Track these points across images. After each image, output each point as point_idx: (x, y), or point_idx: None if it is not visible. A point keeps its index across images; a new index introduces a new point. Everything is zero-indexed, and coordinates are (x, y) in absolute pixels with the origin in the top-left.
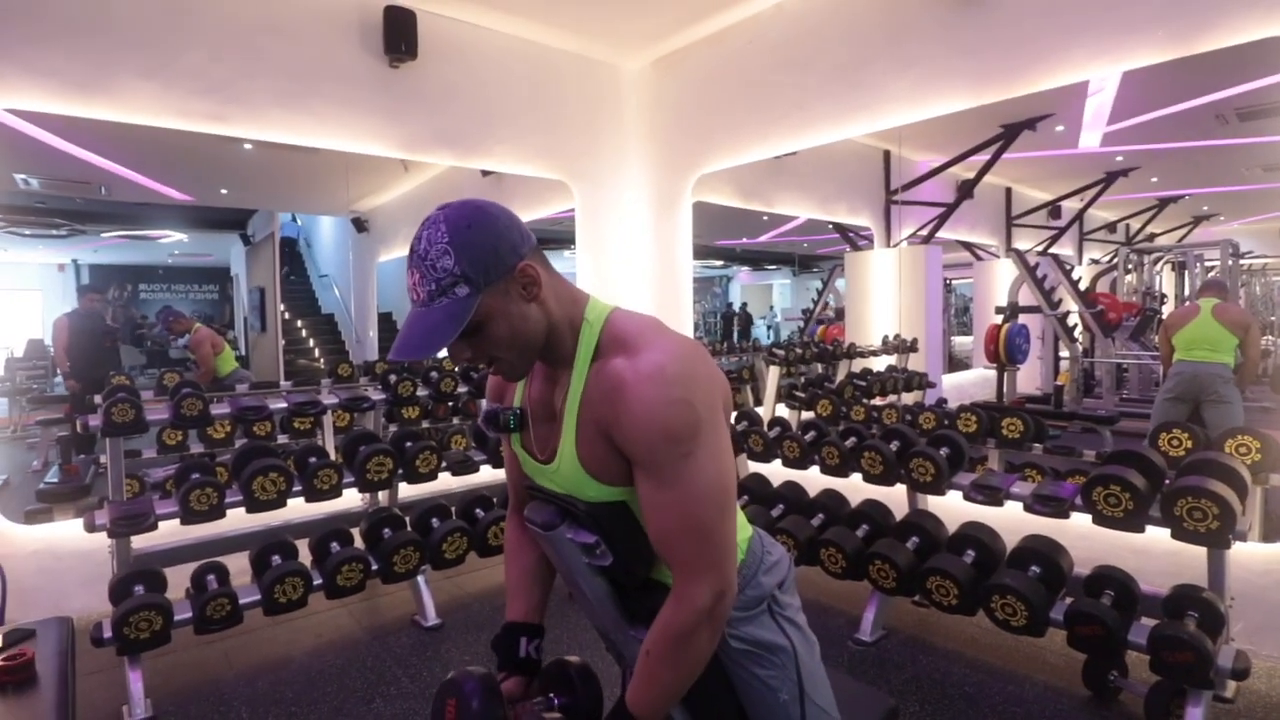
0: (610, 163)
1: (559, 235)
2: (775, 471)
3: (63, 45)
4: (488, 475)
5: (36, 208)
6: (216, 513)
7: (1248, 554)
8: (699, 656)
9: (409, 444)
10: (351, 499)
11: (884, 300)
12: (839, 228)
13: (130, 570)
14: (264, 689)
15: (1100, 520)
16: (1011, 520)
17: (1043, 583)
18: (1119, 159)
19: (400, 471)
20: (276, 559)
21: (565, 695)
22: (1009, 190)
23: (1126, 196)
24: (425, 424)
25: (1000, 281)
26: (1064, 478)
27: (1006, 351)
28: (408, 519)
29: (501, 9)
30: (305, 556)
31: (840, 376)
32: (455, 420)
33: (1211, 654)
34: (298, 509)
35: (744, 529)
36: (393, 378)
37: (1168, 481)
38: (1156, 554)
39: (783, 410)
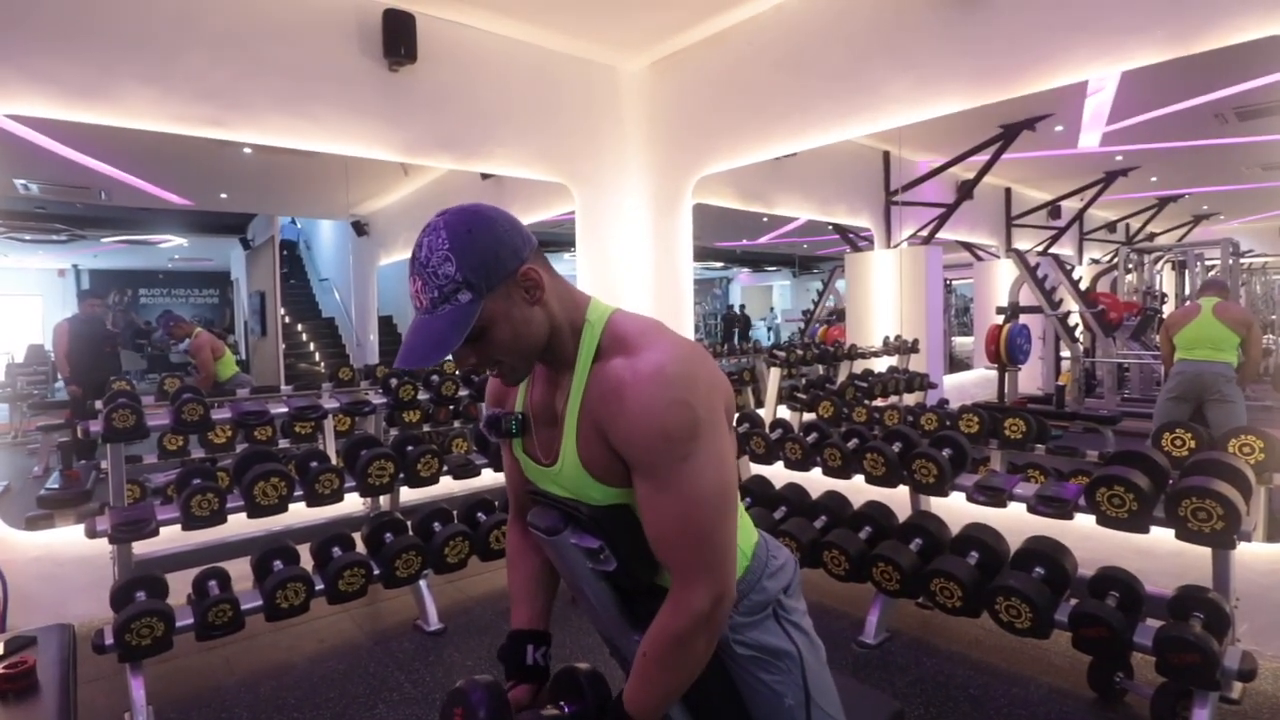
0: (610, 165)
1: (559, 238)
2: (777, 473)
3: (62, 51)
4: (489, 479)
5: (36, 213)
6: (218, 518)
7: (1252, 554)
8: (695, 660)
9: (410, 448)
10: (353, 503)
11: (885, 301)
12: (839, 229)
13: (132, 576)
14: (266, 695)
15: (1104, 521)
16: (1015, 521)
17: (1047, 584)
18: (1118, 159)
19: (402, 476)
20: (278, 564)
21: (575, 702)
22: (1008, 190)
23: (1126, 196)
24: (426, 428)
25: (1000, 282)
26: (1067, 478)
27: (1008, 352)
28: (409, 523)
29: (500, 12)
30: (307, 561)
31: (841, 378)
32: (456, 424)
33: (1218, 655)
34: (299, 514)
35: (750, 533)
36: (394, 381)
37: (1171, 482)
38: (1160, 555)
39: (784, 412)
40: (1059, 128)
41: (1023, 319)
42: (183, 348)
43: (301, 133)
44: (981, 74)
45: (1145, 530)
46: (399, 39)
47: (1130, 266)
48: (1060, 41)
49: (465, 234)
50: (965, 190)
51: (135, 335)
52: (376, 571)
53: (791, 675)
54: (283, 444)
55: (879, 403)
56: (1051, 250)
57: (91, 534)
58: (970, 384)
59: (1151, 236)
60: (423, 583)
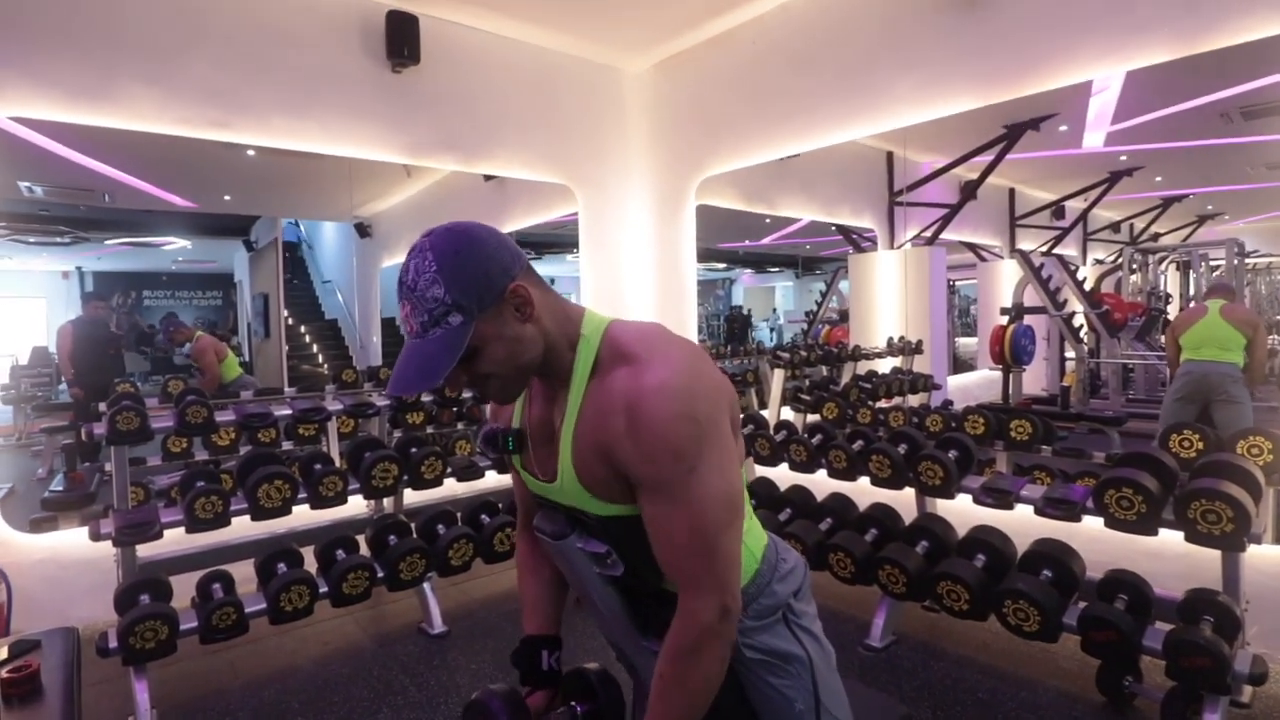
0: (613, 166)
1: (562, 239)
2: (782, 475)
3: (66, 53)
4: (493, 481)
5: (40, 215)
6: (221, 521)
7: (1262, 556)
8: (710, 675)
9: (414, 450)
10: (357, 505)
11: (888, 302)
12: (842, 230)
13: (135, 579)
14: (270, 699)
15: (1113, 523)
16: (1022, 523)
17: (1055, 587)
18: (1123, 159)
19: (405, 478)
20: (282, 567)
21: (587, 703)
22: (1012, 191)
23: (1130, 196)
24: (430, 429)
25: (1004, 282)
26: (1073, 480)
27: (1012, 352)
28: (413, 525)
29: (504, 13)
30: (310, 564)
31: (845, 379)
32: (460, 425)
33: (1228, 659)
34: (303, 516)
35: (759, 536)
36: None
37: (1180, 484)
38: (1169, 557)
39: (788, 413)
40: (1063, 128)
41: (1027, 320)
42: (185, 351)
43: (305, 135)
44: (986, 74)
45: (1154, 533)
46: (402, 41)
47: (1135, 267)
48: (1065, 41)
49: (452, 255)
50: (969, 191)
51: (139, 338)
52: (380, 574)
53: (801, 680)
54: (286, 446)
55: (883, 404)
56: (1055, 251)
57: (95, 537)
58: (974, 385)
59: (1156, 237)
60: (427, 585)
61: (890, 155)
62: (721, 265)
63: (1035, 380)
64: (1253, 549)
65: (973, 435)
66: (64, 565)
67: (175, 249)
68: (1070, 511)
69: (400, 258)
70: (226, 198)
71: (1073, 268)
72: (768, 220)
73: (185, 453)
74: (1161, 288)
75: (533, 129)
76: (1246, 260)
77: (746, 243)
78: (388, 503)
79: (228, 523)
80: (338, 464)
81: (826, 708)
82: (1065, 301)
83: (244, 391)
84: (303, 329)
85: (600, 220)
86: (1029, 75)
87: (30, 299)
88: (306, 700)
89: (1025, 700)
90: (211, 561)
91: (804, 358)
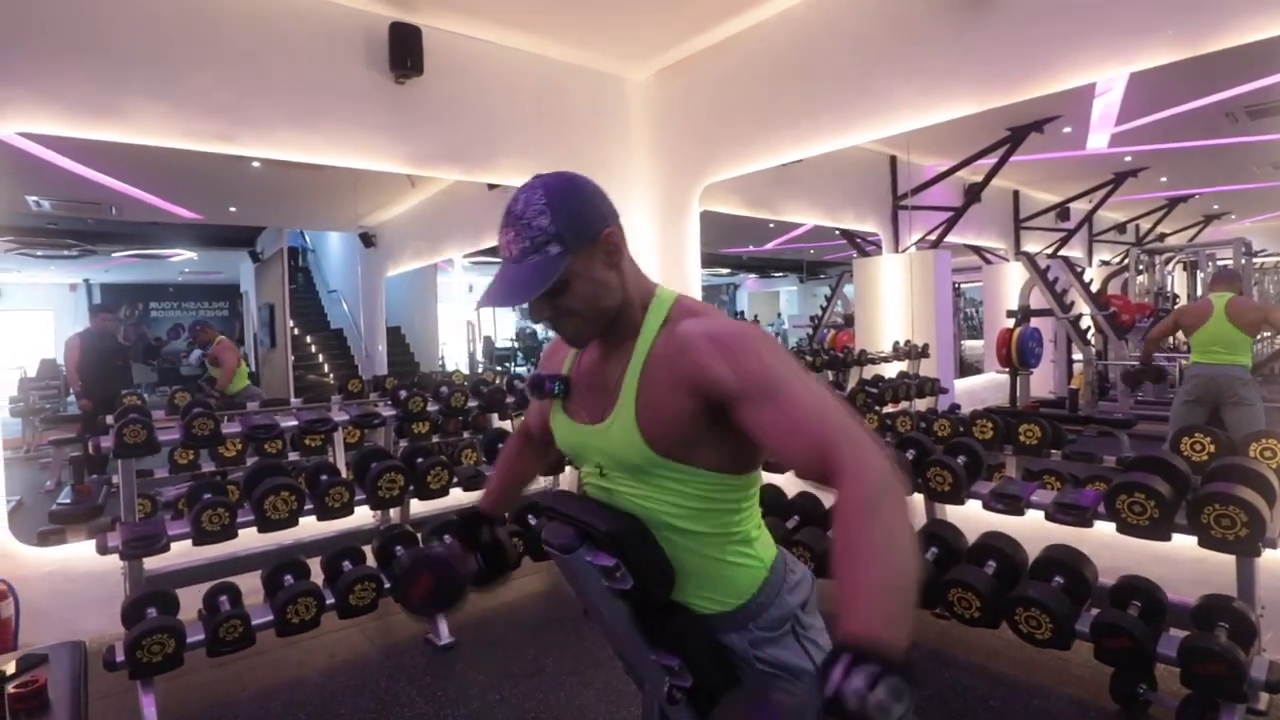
0: (617, 174)
1: None
2: (790, 482)
3: (72, 68)
4: None
5: (48, 229)
6: (228, 533)
7: (1277, 561)
8: (898, 530)
9: (420, 460)
10: (363, 516)
11: (893, 306)
12: (846, 234)
13: (143, 592)
14: (277, 711)
15: (1125, 529)
16: (1032, 529)
17: (1067, 594)
18: (1127, 159)
19: (411, 488)
20: (289, 579)
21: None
22: (1016, 193)
23: (1136, 197)
24: (436, 439)
25: (1010, 285)
26: (1084, 484)
27: (1019, 355)
28: (420, 536)
29: (506, 23)
30: (317, 575)
31: (851, 383)
32: (466, 435)
33: (1244, 666)
34: (309, 527)
35: (768, 546)
36: (403, 393)
37: (1192, 488)
38: (1181, 562)
39: None
40: (1067, 129)
41: (1034, 322)
42: (198, 354)
43: (310, 147)
44: (989, 78)
45: (1167, 538)
46: (406, 52)
47: (1141, 268)
48: (1068, 44)
49: (560, 192)
50: (973, 193)
51: (146, 350)
52: (387, 585)
53: (811, 695)
54: (293, 456)
55: (890, 409)
56: (1061, 252)
57: (103, 550)
58: (981, 388)
59: (1162, 237)
60: None
61: (894, 159)
62: (726, 270)
63: (1043, 383)
64: (1268, 554)
65: (981, 440)
66: (72, 578)
67: (182, 260)
68: (1081, 517)
69: (405, 267)
70: (232, 209)
71: (1079, 269)
72: (771, 225)
73: (192, 464)
74: (1168, 288)
75: (536, 138)
76: (1254, 259)
77: (750, 248)
78: (394, 513)
79: (234, 535)
80: (344, 474)
81: None
82: (1072, 303)
83: (250, 403)
84: (308, 339)
85: None
86: (1032, 78)
87: (38, 311)
88: (313, 712)
89: (1038, 709)
90: (218, 573)
91: (810, 362)
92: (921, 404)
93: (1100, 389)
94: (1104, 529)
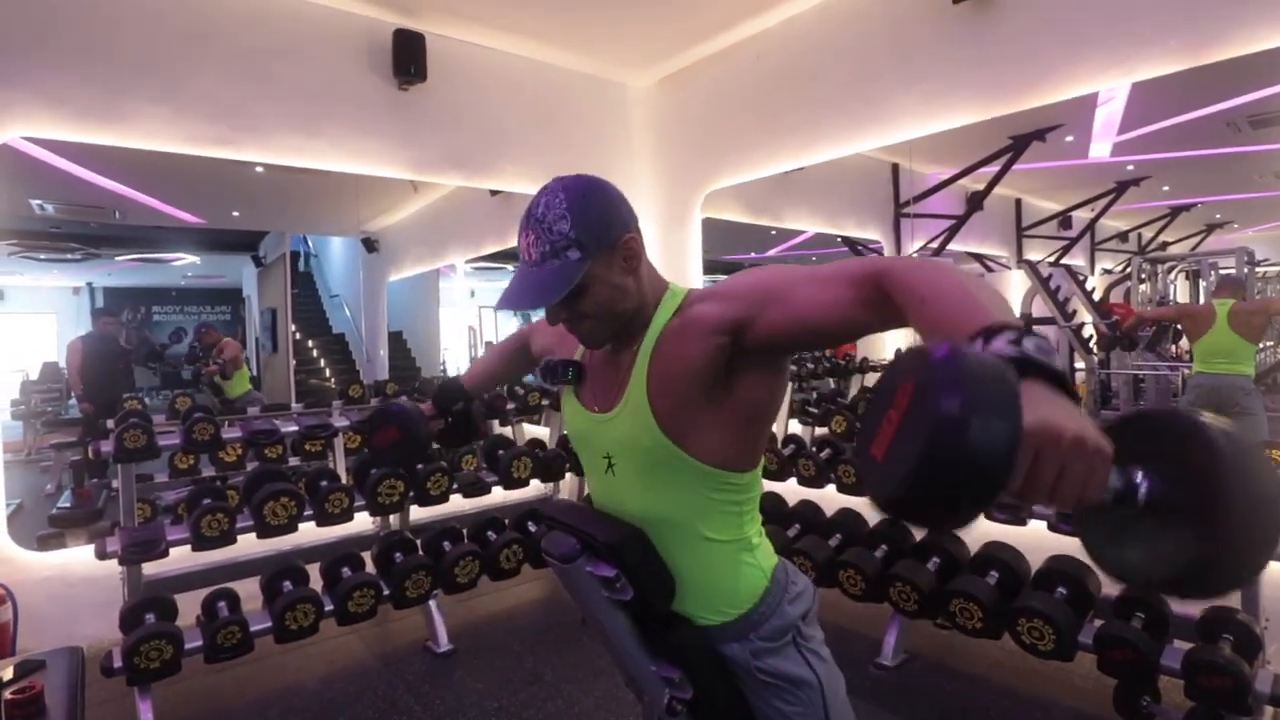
0: (619, 181)
1: None
2: (791, 490)
3: (76, 73)
4: (499, 497)
5: (51, 232)
6: (227, 539)
7: None
8: (961, 274)
9: (420, 466)
10: (363, 522)
11: None
12: (848, 241)
13: (141, 598)
14: (275, 718)
15: None
16: (1034, 539)
17: (1070, 605)
18: (1129, 168)
19: (411, 494)
20: (288, 585)
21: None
22: (1019, 201)
23: (1138, 205)
24: (436, 445)
25: (1012, 293)
26: None
27: None
28: (419, 542)
29: (509, 30)
30: (316, 581)
31: (854, 391)
32: None
33: (1249, 679)
34: (309, 533)
35: (770, 556)
36: (404, 399)
37: None
38: None
39: (796, 427)
40: (1069, 138)
41: (1036, 330)
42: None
43: (312, 152)
44: (992, 87)
45: None
46: (409, 58)
47: (1143, 276)
48: (1070, 54)
49: (581, 197)
50: (975, 202)
51: (148, 353)
52: (386, 592)
53: (812, 705)
54: (293, 461)
55: None
56: (1063, 261)
57: (102, 555)
58: None
59: (1164, 246)
60: (432, 603)
61: (896, 167)
62: (725, 277)
63: None
64: (1273, 565)
65: None
66: (70, 583)
67: (184, 264)
68: None
69: (407, 272)
70: (235, 214)
71: (1081, 278)
72: (773, 232)
73: (192, 469)
74: (1171, 297)
75: (538, 145)
76: (1256, 268)
77: (752, 255)
78: (394, 519)
79: (233, 540)
80: (344, 480)
81: None
82: (1074, 312)
83: (251, 407)
84: (310, 343)
85: None
86: (1034, 88)
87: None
88: (311, 719)
89: None
90: (217, 579)
91: (811, 370)
92: None
93: (1103, 398)
94: None
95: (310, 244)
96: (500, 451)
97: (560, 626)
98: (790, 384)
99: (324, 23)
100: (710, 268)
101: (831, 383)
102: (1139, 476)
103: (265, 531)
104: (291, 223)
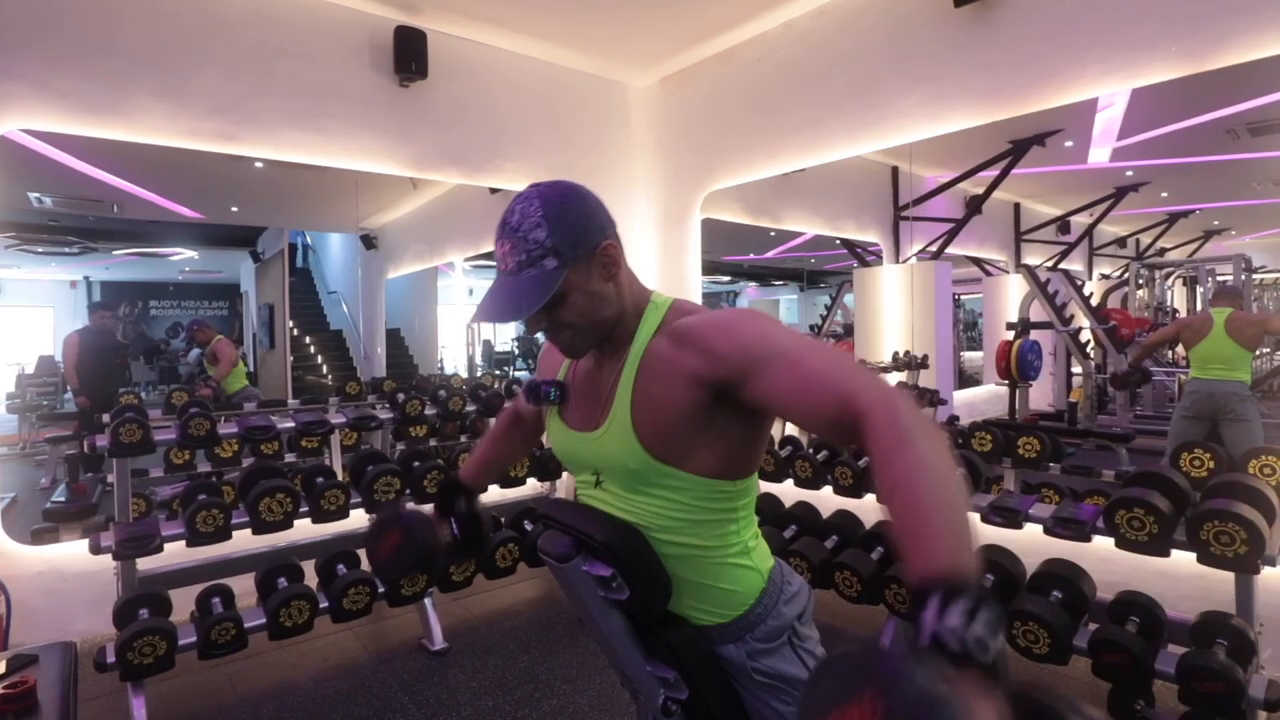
0: (619, 180)
1: None
2: (787, 491)
3: (76, 66)
4: (495, 495)
5: (49, 225)
6: (222, 534)
7: (1276, 579)
8: (939, 456)
9: (417, 463)
10: (359, 519)
11: (893, 316)
12: (847, 244)
13: (135, 593)
14: (268, 715)
15: (1124, 544)
16: (1030, 543)
17: (1065, 608)
18: (1129, 174)
19: (408, 491)
20: (282, 581)
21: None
22: (1018, 206)
23: (1136, 211)
24: (433, 442)
25: (1010, 297)
26: (1082, 498)
27: (1019, 368)
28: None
29: (511, 28)
30: (311, 578)
31: None
32: (463, 439)
33: (1243, 684)
34: (304, 529)
35: (766, 557)
36: (401, 396)
37: (1192, 504)
38: (1180, 578)
39: (793, 429)
40: (1069, 143)
41: (1033, 335)
42: (195, 354)
43: (312, 148)
44: (993, 91)
45: (1166, 554)
46: (410, 55)
47: (1141, 282)
48: (1072, 59)
49: (557, 204)
50: (974, 205)
51: (146, 349)
52: (381, 589)
53: None
54: (289, 458)
55: None
56: (1061, 265)
57: (96, 550)
58: (980, 400)
59: (1162, 251)
60: (427, 601)
61: (895, 170)
62: (726, 278)
63: (1042, 396)
64: (1266, 571)
65: (980, 452)
66: (64, 578)
67: (182, 259)
68: (1080, 531)
69: (405, 269)
70: (234, 209)
71: (1079, 283)
72: (773, 234)
73: (188, 464)
74: (1168, 303)
75: (538, 143)
76: (1254, 275)
77: (751, 256)
78: None
79: (229, 536)
80: (340, 477)
81: None
82: (1071, 317)
83: (247, 403)
84: (307, 340)
85: None
86: (1035, 92)
87: (38, 308)
88: (304, 717)
89: None
90: (212, 575)
91: None
92: None
93: (1099, 402)
94: (1102, 544)
95: (309, 240)
96: None
97: (556, 625)
98: None
99: (326, 19)
100: (709, 268)
101: None
102: None
103: (260, 528)
104: (290, 219)
